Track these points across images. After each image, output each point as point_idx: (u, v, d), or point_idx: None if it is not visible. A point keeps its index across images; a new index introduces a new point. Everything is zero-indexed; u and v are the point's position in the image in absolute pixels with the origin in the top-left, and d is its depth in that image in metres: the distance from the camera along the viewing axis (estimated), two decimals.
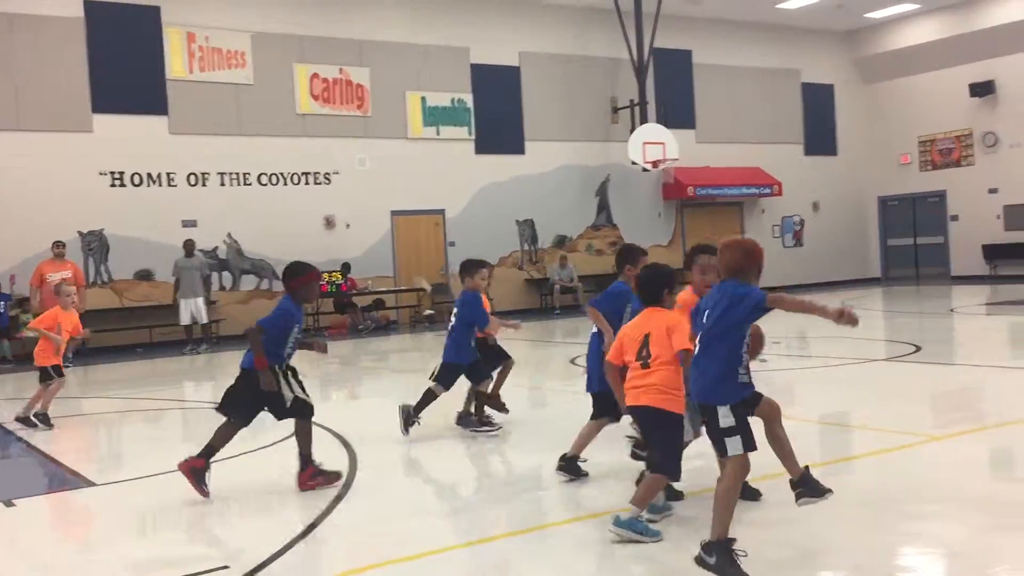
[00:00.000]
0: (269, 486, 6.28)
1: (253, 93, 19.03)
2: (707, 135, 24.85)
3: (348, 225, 20.01)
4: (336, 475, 6.12)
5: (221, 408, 6.14)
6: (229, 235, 18.81)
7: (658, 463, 4.60)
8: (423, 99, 20.96)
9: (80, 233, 17.32)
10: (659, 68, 23.56)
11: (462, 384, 7.68)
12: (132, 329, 17.32)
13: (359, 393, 11.91)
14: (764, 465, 4.66)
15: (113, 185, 17.72)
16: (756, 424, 4.26)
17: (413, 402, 7.62)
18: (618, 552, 4.43)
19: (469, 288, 7.53)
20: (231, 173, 18.85)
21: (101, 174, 17.60)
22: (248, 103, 19.00)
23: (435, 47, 21.11)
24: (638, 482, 5.30)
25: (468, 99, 21.53)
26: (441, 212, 21.22)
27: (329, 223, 19.84)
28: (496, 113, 21.76)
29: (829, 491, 4.34)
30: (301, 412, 6.06)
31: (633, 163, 22.25)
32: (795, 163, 26.52)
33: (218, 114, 18.67)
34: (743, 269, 4.20)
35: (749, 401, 4.26)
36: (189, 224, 18.25)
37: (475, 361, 7.56)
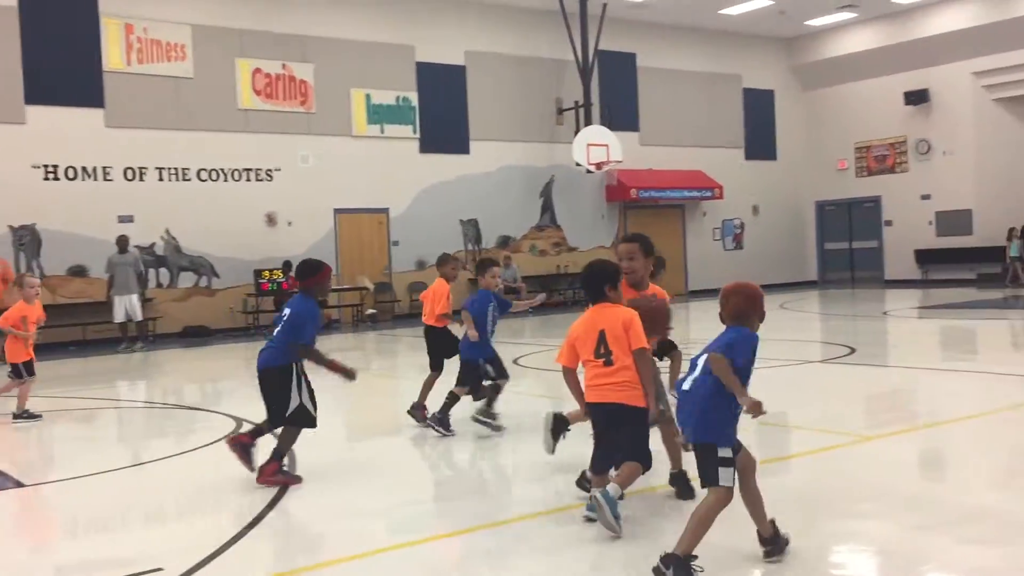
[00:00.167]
0: (204, 486, 6.17)
1: (193, 87, 18.71)
2: (650, 138, 25.09)
3: (290, 223, 19.78)
4: (297, 479, 6.05)
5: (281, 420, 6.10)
6: (167, 231, 18.47)
7: (633, 455, 4.69)
8: (367, 96, 20.82)
9: (11, 227, 16.87)
10: (604, 70, 23.73)
11: (446, 382, 7.75)
12: (65, 326, 16.87)
13: None
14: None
15: (47, 179, 17.28)
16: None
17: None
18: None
19: (483, 287, 7.66)
20: (170, 168, 18.50)
21: (34, 167, 17.15)
22: (188, 97, 18.67)
23: (380, 44, 20.98)
24: (578, 481, 5.34)
25: (413, 97, 21.43)
26: (385, 211, 21.10)
27: (271, 220, 19.60)
28: (441, 112, 21.70)
29: (787, 542, 4.33)
30: (297, 421, 6.03)
31: (577, 164, 22.37)
32: (736, 167, 26.91)
33: (157, 108, 18.32)
34: (747, 314, 4.19)
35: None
36: (126, 219, 17.88)
37: (492, 357, 7.56)
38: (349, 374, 6.19)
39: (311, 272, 6.17)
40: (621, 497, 4.63)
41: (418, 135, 21.52)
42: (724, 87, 26.85)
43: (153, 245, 18.30)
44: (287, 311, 6.09)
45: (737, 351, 4.01)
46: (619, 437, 4.78)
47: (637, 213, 24.85)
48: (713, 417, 4.04)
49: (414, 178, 21.39)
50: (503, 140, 22.69)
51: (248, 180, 19.40)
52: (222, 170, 19.10)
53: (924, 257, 25.72)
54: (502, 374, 7.54)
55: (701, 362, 4.14)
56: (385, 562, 4.51)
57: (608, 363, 4.69)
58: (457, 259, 8.60)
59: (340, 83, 20.45)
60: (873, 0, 24.12)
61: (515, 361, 12.05)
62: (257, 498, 5.66)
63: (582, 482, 5.28)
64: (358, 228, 20.74)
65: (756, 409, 3.91)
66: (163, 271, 18.51)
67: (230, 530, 5.00)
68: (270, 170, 19.63)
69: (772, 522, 4.20)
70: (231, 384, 12.00)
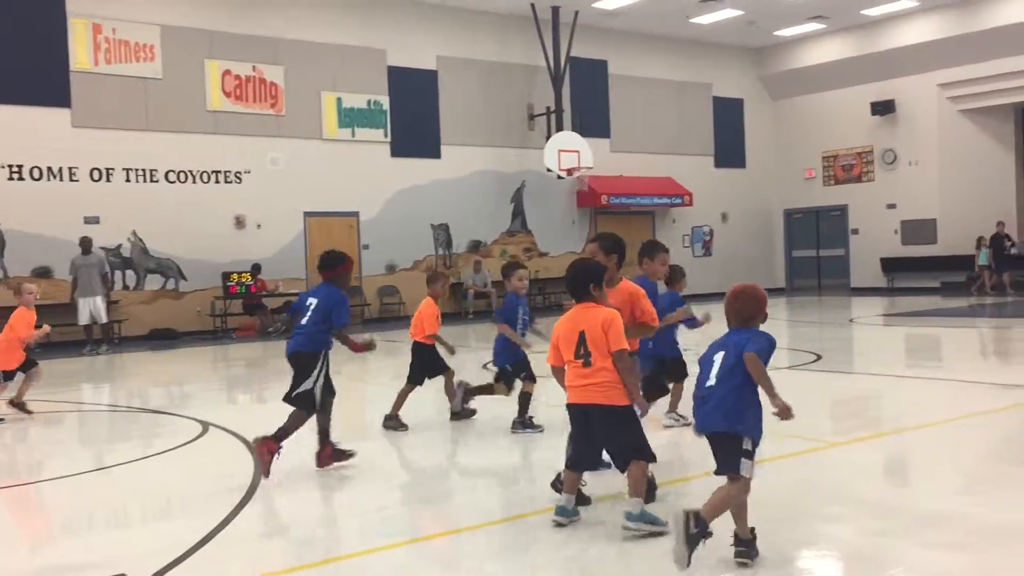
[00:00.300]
0: (170, 491, 6.10)
1: (162, 88, 18.54)
2: (621, 144, 25.21)
3: (259, 225, 19.65)
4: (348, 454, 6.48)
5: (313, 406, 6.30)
6: (134, 233, 18.27)
7: (633, 454, 4.67)
8: (339, 100, 20.74)
9: None
10: (575, 77, 23.82)
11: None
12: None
13: (266, 396, 11.65)
14: (683, 466, 4.71)
15: (11, 179, 17.04)
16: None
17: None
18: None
19: (510, 291, 7.71)
20: (137, 169, 18.31)
21: None
22: (157, 98, 18.49)
23: (352, 48, 20.92)
24: (553, 484, 5.32)
25: (384, 101, 21.38)
26: (355, 214, 21.01)
27: (239, 223, 19.45)
28: (413, 116, 21.67)
29: (757, 554, 4.37)
30: (300, 404, 6.24)
31: (548, 170, 22.42)
32: (705, 174, 27.11)
33: (125, 108, 18.13)
34: (753, 316, 4.35)
35: None
36: (92, 221, 17.66)
37: (521, 359, 7.55)
38: (370, 346, 6.64)
39: (335, 263, 6.57)
40: (652, 498, 4.70)
41: (389, 139, 21.47)
42: (694, 95, 27.04)
43: (120, 247, 18.09)
44: (313, 300, 6.40)
45: (765, 355, 4.22)
46: (606, 438, 4.76)
47: (607, 219, 24.93)
48: (746, 411, 4.20)
49: (385, 182, 21.33)
50: (474, 145, 22.70)
51: (217, 182, 19.24)
52: (191, 172, 18.93)
53: (889, 265, 26.04)
54: (529, 377, 7.53)
55: (719, 359, 4.26)
56: (344, 569, 4.48)
57: (587, 364, 4.70)
58: (447, 276, 8.66)
59: (311, 86, 20.35)
60: (841, 11, 24.41)
61: (484, 366, 12.02)
62: (223, 503, 5.60)
63: (556, 484, 5.27)
64: (328, 231, 20.63)
65: (786, 413, 4.03)
66: (130, 273, 18.30)
67: (194, 536, 4.94)
68: (239, 172, 19.49)
69: (752, 529, 4.26)
70: (197, 387, 11.89)
